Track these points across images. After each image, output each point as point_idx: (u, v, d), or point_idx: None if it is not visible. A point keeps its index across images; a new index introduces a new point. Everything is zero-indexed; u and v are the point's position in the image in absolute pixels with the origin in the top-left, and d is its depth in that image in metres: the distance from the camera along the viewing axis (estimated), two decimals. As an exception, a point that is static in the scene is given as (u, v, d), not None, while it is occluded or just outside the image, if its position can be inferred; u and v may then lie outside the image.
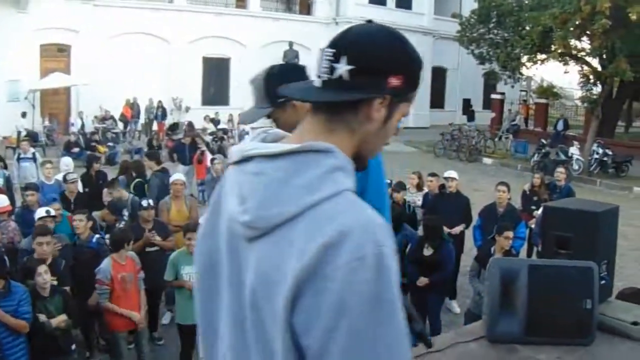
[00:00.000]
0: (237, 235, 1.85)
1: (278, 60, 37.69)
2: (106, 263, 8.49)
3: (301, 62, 37.56)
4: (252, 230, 1.77)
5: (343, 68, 1.83)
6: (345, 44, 1.87)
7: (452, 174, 13.07)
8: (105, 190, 12.35)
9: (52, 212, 9.59)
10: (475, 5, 38.30)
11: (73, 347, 7.90)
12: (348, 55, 1.83)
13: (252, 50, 38.91)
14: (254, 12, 40.00)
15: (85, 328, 9.01)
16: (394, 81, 1.89)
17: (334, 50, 1.86)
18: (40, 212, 9.55)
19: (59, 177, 13.61)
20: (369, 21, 1.96)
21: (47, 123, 31.62)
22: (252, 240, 1.78)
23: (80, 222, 9.33)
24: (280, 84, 3.16)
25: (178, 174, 12.46)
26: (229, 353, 1.90)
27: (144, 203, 10.27)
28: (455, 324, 10.64)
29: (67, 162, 14.86)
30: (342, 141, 1.86)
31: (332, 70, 1.85)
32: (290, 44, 38.48)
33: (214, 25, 37.78)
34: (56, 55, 33.87)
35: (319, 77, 1.88)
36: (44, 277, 7.54)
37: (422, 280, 9.78)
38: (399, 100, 1.95)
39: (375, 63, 1.86)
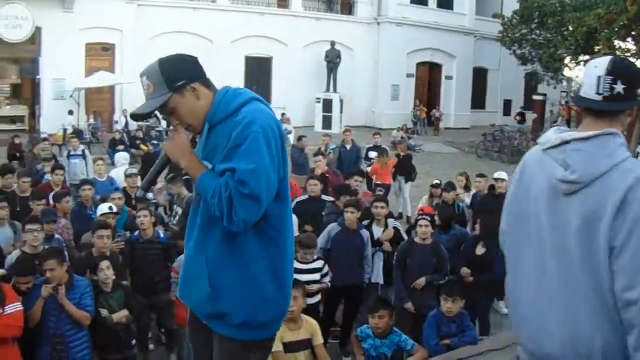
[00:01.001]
0: (557, 192, 3.10)
1: (320, 59, 37.88)
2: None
3: (342, 62, 37.74)
4: (575, 184, 3.01)
5: (620, 87, 3.04)
6: (616, 72, 3.05)
7: (502, 174, 13.12)
8: (158, 187, 12.48)
9: (115, 209, 9.73)
10: (517, 6, 38.10)
11: (133, 342, 8.03)
12: (621, 79, 3.04)
13: (294, 49, 39.08)
14: (296, 12, 40.16)
15: (143, 322, 9.10)
16: (638, 92, 3.09)
17: (612, 77, 3.04)
18: (102, 208, 9.62)
19: (111, 173, 13.80)
20: (612, 54, 3.02)
21: (91, 121, 31.98)
22: (572, 194, 3.03)
23: (145, 218, 9.28)
24: (176, 69, 3.66)
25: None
26: (558, 272, 3.11)
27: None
28: (503, 325, 10.66)
29: (125, 156, 15.05)
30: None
31: (612, 89, 3.05)
32: (332, 43, 38.47)
33: (256, 24, 37.94)
34: (101, 54, 34.23)
35: (599, 93, 3.08)
36: (106, 273, 7.67)
37: (465, 271, 9.86)
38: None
39: (635, 82, 3.08)
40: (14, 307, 6.88)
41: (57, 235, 9.25)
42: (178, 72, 3.64)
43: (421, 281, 9.19)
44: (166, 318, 9.09)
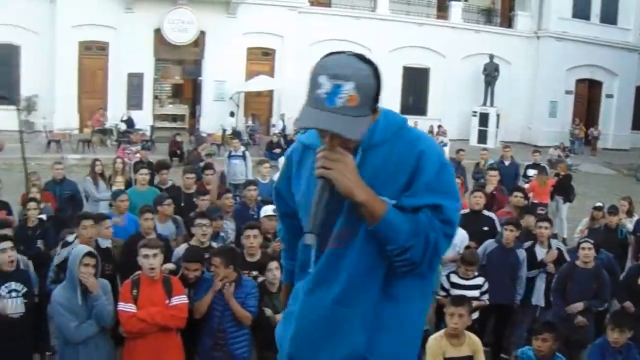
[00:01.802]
0: None
1: (478, 72, 37.41)
2: None
3: (500, 75, 37.13)
4: None
5: None
6: None
7: None
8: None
9: (279, 212, 9.81)
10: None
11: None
12: None
13: (452, 61, 38.79)
14: (455, 23, 39.73)
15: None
16: None
17: None
18: (267, 210, 9.81)
19: (275, 177, 14.02)
20: None
21: (249, 123, 32.82)
22: None
23: None
24: (380, 83, 2.88)
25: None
26: None
27: None
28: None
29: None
30: None
31: None
32: (491, 56, 37.88)
33: (415, 34, 37.90)
34: (261, 58, 35.12)
35: None
36: (274, 273, 7.78)
37: (628, 306, 9.35)
38: None
39: None
40: (180, 299, 7.17)
41: (221, 234, 9.49)
42: (380, 88, 2.91)
43: (578, 305, 8.95)
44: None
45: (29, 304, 7.16)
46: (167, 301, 7.07)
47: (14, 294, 7.07)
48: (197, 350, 7.58)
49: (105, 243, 8.70)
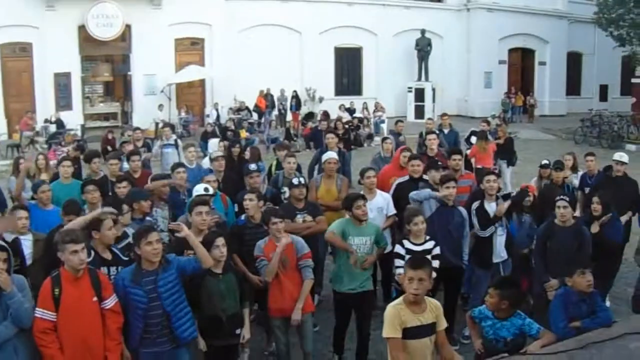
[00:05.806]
0: None
1: (410, 48, 37.32)
2: (263, 241, 8.14)
3: (433, 50, 37.03)
4: None
5: None
6: None
7: (623, 157, 11.94)
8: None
9: (210, 190, 9.36)
10: (613, -14, 36.65)
11: (238, 331, 7.44)
12: None
13: (384, 39, 38.62)
14: (385, 1, 39.45)
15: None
16: None
17: None
18: (198, 189, 9.30)
19: (202, 162, 13.57)
20: None
21: (183, 115, 32.40)
22: None
23: (251, 202, 8.97)
24: None
25: (331, 152, 11.81)
26: None
27: (295, 181, 9.82)
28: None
29: (215, 142, 14.92)
30: None
31: None
32: (422, 31, 37.89)
33: (345, 14, 37.59)
34: (190, 48, 34.61)
35: None
36: (222, 250, 7.20)
37: None
38: None
39: None
40: (113, 299, 6.53)
41: (148, 217, 8.99)
42: None
43: (554, 284, 8.37)
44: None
45: None
46: (94, 298, 6.32)
47: None
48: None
49: (11, 236, 8.02)
